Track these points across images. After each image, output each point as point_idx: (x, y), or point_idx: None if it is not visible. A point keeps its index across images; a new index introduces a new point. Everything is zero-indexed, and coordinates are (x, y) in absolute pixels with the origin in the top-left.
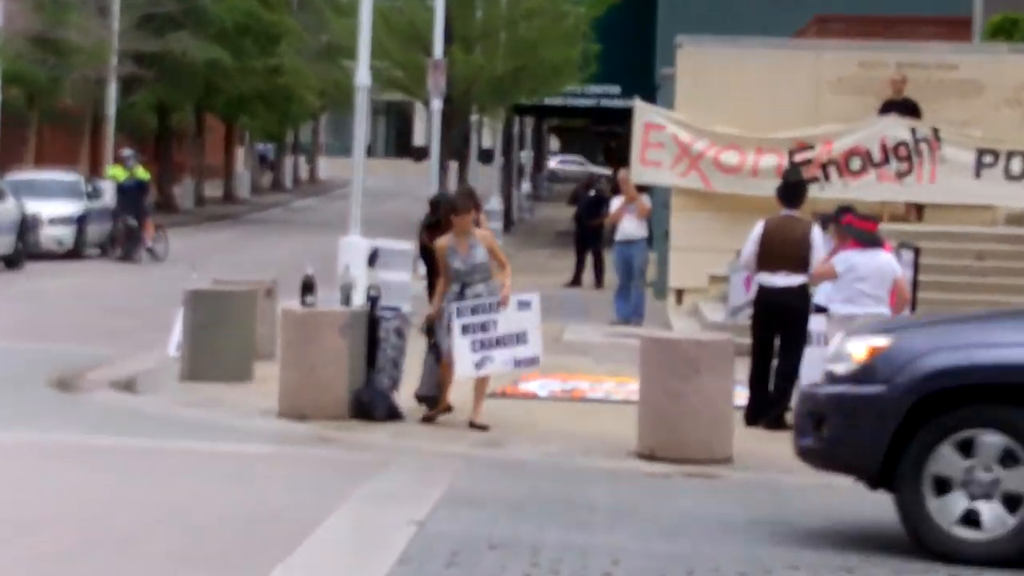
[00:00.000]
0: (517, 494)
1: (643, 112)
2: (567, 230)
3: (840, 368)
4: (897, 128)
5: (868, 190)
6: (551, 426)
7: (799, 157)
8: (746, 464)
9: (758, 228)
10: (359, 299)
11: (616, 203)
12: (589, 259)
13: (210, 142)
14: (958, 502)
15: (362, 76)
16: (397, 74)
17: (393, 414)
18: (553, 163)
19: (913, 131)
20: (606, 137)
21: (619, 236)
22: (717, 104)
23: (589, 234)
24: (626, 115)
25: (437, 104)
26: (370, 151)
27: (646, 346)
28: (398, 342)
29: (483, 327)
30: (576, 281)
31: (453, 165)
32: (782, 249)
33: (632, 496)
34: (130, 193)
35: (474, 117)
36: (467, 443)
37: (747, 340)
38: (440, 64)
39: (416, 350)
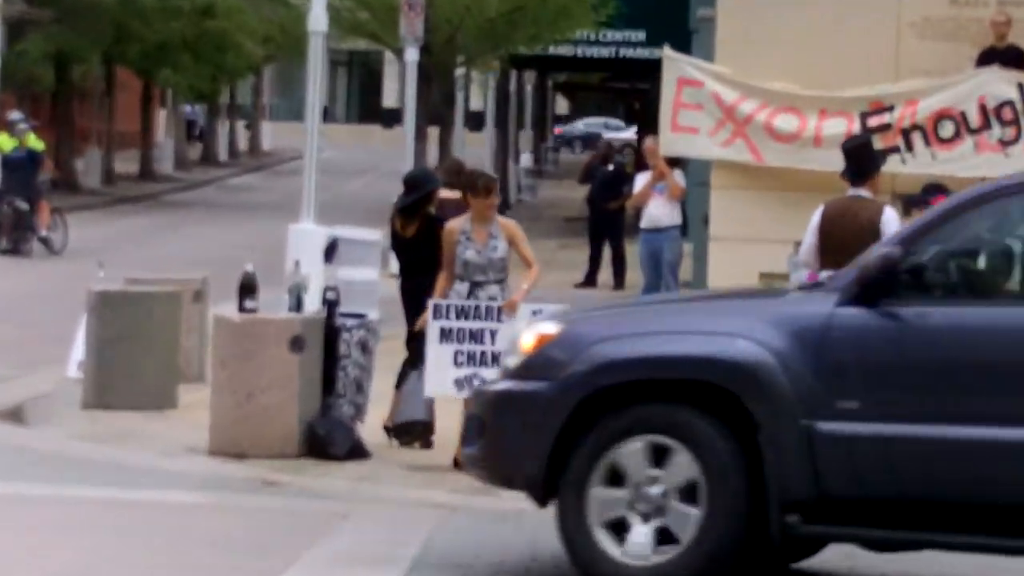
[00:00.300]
0: (513, 554)
1: (675, 65)
2: (579, 215)
3: (511, 361)
4: (1000, 84)
5: (963, 163)
6: None
7: (874, 121)
8: None
9: (817, 214)
10: (313, 304)
11: (641, 180)
12: (607, 252)
13: (122, 103)
14: (624, 520)
15: (317, 19)
16: (362, 16)
17: (356, 451)
18: (580, 126)
19: (1021, 87)
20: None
21: (645, 223)
22: (769, 54)
23: (607, 220)
24: (653, 68)
25: (413, 55)
26: (328, 114)
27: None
28: (363, 359)
29: (473, 336)
30: (591, 280)
31: (433, 132)
32: (843, 240)
33: None
34: (19, 168)
35: (460, 72)
36: (449, 488)
37: None
38: (417, 3)
39: (386, 366)
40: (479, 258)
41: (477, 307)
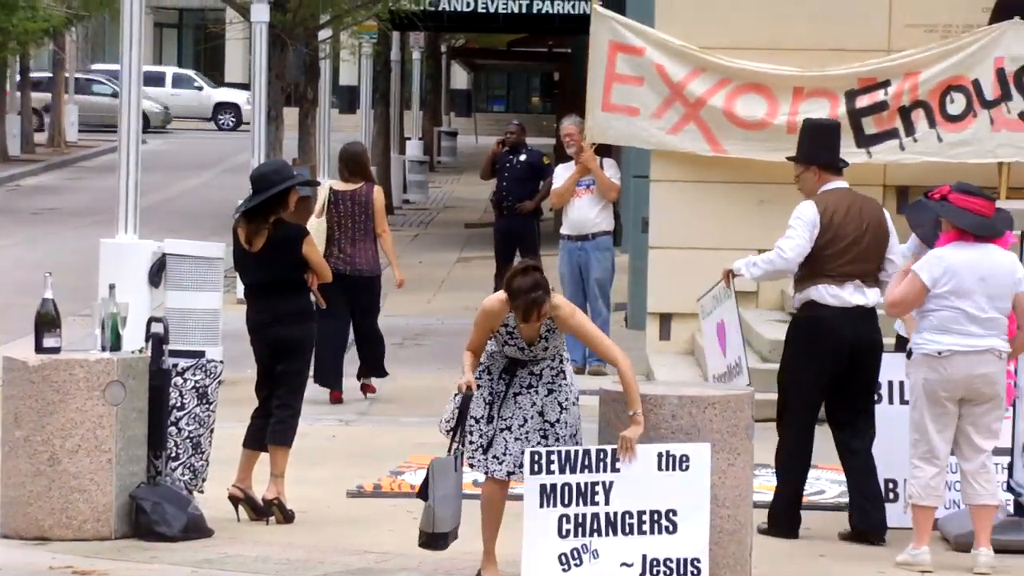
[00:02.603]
0: None
1: (607, 24)
2: (483, 220)
3: None
4: (1022, 43)
5: (977, 146)
6: (462, 540)
7: (864, 101)
8: None
9: (810, 211)
10: (135, 340)
11: (562, 174)
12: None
13: None
14: None
15: None
16: None
17: (194, 529)
18: None
19: None
20: (546, 65)
21: (567, 228)
22: (729, 17)
23: (517, 226)
24: (578, 28)
25: (262, 12)
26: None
27: (607, 405)
28: (201, 410)
29: (583, 494)
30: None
31: (291, 114)
32: (855, 240)
33: None
34: None
35: (325, 35)
36: (319, 573)
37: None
38: None
39: (231, 417)
40: (524, 355)
41: (591, 455)
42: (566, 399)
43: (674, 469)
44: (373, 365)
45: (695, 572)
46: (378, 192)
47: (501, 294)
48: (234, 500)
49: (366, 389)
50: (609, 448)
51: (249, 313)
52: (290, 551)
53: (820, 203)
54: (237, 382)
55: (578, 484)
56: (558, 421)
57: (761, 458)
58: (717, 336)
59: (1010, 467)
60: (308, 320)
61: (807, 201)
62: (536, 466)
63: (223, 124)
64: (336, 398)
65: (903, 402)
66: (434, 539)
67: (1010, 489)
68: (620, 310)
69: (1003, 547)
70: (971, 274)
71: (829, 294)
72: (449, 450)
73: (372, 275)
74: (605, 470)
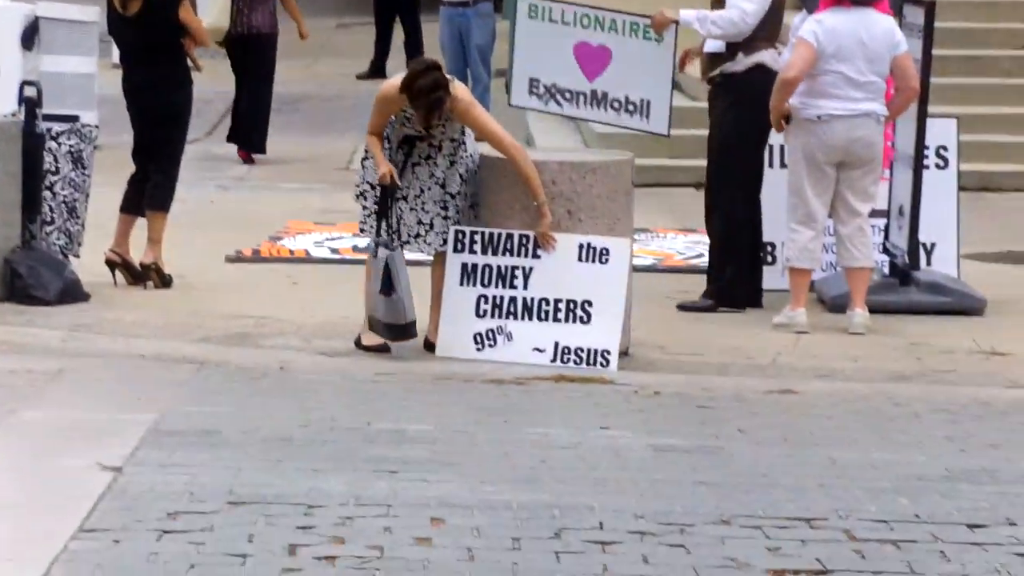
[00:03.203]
0: (281, 419)
1: None
2: None
3: None
4: None
5: None
6: (341, 304)
7: None
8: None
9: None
10: (7, 104)
11: None
12: (398, 33)
13: None
14: None
15: None
16: None
17: (70, 293)
18: None
19: None
20: None
21: None
22: None
23: None
24: None
25: None
26: None
27: (487, 169)
28: (76, 175)
29: (503, 277)
30: (378, 70)
31: None
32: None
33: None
34: None
35: None
36: (194, 337)
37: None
38: None
39: (108, 183)
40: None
41: (513, 238)
42: (466, 170)
43: (593, 261)
44: (256, 140)
45: (604, 364)
46: None
47: (399, 81)
48: (111, 264)
49: (244, 156)
50: (531, 233)
51: (124, 78)
52: (168, 316)
53: None
54: (113, 147)
55: (499, 266)
56: (459, 193)
57: (641, 222)
58: (580, 58)
59: (886, 229)
60: (185, 86)
61: None
62: (459, 244)
63: None
64: (244, 157)
65: (783, 166)
66: (405, 329)
67: (886, 251)
68: (501, 76)
69: (878, 308)
70: (851, 37)
71: (780, 60)
72: (377, 236)
73: (268, 33)
74: (526, 255)
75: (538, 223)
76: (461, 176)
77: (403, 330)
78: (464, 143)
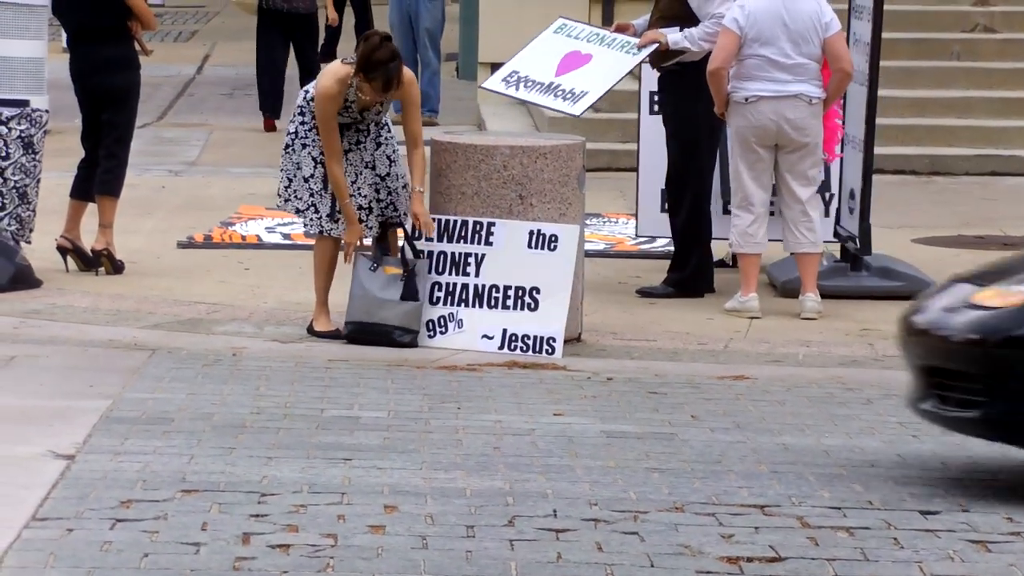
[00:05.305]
0: (233, 406)
1: None
2: None
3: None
4: None
5: None
6: (293, 290)
7: None
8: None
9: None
10: None
11: None
12: (348, 17)
13: None
14: None
15: None
16: None
17: (21, 278)
18: None
19: None
20: None
21: None
22: None
23: None
24: None
25: None
26: None
27: (438, 154)
28: (26, 160)
29: (456, 264)
30: (328, 53)
31: None
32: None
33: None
34: None
35: None
36: (146, 324)
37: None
38: None
39: (58, 168)
40: (353, 122)
41: (464, 223)
42: (393, 151)
43: (543, 248)
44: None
45: (550, 351)
46: None
47: (335, 75)
48: (63, 251)
49: (269, 124)
50: (485, 221)
51: (72, 61)
52: (120, 302)
53: None
54: (63, 132)
55: (453, 254)
56: (389, 174)
57: (593, 207)
58: (563, 60)
59: (837, 213)
60: (132, 68)
61: None
62: (416, 232)
63: None
64: (269, 125)
65: None
66: (416, 333)
67: (837, 235)
68: (451, 60)
69: (829, 292)
70: (772, 20)
71: None
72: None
73: (308, 12)
74: (480, 242)
75: (414, 204)
76: (389, 157)
77: (416, 334)
78: (388, 124)
